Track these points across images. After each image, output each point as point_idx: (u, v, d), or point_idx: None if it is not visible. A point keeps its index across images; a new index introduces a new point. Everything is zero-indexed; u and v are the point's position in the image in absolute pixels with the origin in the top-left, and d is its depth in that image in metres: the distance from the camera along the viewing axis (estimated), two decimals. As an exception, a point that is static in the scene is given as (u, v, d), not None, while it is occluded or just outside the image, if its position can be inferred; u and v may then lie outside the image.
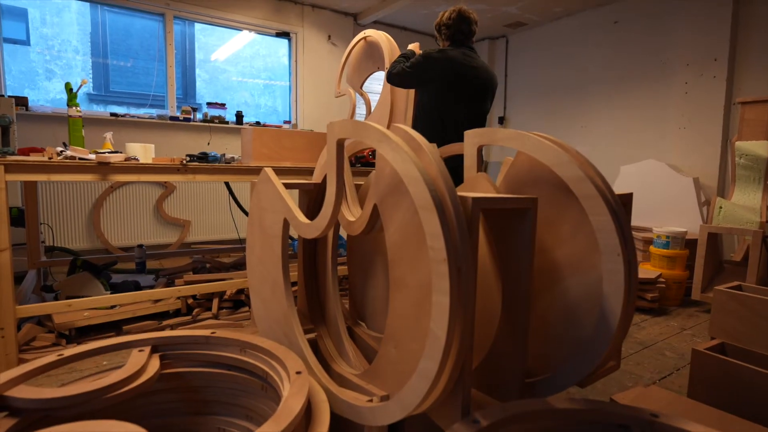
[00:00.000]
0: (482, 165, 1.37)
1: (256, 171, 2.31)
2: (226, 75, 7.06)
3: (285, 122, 4.68)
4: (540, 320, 1.22)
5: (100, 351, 1.29)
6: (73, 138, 2.45)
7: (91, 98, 6.19)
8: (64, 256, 3.45)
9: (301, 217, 1.29)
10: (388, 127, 2.98)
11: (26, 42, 5.73)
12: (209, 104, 4.21)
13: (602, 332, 1.05)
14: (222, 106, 4.22)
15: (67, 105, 2.46)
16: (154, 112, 4.01)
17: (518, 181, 1.23)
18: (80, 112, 2.44)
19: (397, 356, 1.10)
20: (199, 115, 4.09)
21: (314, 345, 1.61)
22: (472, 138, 1.25)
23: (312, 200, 1.62)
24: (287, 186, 1.55)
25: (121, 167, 1.96)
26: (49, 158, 1.85)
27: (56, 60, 5.87)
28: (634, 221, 3.67)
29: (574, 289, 1.13)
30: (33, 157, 1.80)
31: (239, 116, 4.25)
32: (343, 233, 1.66)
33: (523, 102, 5.32)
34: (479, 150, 1.24)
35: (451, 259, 0.85)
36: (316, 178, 1.68)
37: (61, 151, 1.94)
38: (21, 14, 5.63)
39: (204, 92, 7.06)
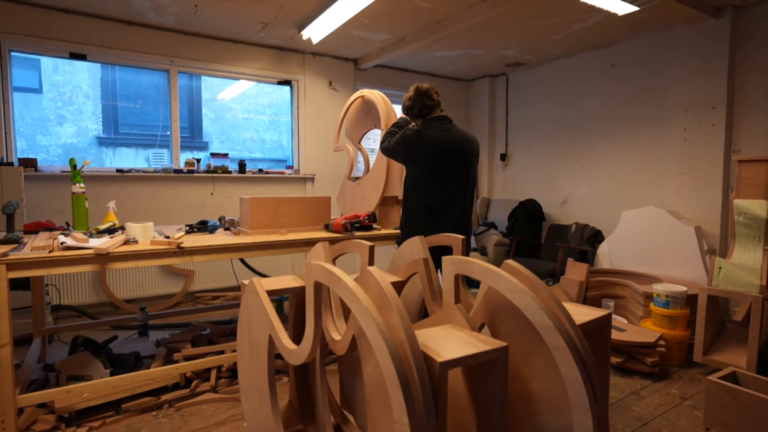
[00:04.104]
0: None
1: (252, 247, 2.35)
2: (232, 113, 7.20)
3: (288, 167, 4.76)
4: (519, 447, 1.23)
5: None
6: (76, 214, 2.53)
7: (101, 141, 6.36)
8: (70, 314, 3.52)
9: (286, 340, 1.32)
10: (385, 188, 3.02)
11: (38, 90, 5.93)
12: (213, 155, 4.30)
13: (577, 477, 1.05)
14: (225, 156, 4.31)
15: (72, 181, 2.55)
16: (160, 165, 4.10)
17: (495, 307, 1.25)
18: (83, 188, 2.53)
19: (375, 496, 1.11)
20: (203, 165, 4.18)
21: (303, 446, 1.63)
22: (449, 265, 1.27)
23: (301, 303, 1.65)
24: (275, 293, 1.59)
25: (120, 255, 2.01)
26: (50, 252, 1.92)
27: (67, 106, 6.06)
28: (636, 268, 3.64)
29: (550, 424, 1.14)
30: (34, 253, 1.87)
31: (242, 165, 4.33)
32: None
33: (525, 139, 5.34)
34: (457, 277, 1.27)
35: (415, 437, 0.87)
36: (305, 280, 1.71)
37: (62, 242, 2.00)
38: (34, 63, 5.84)
39: (210, 130, 7.21)
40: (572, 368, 1.01)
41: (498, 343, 1.06)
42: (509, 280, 1.12)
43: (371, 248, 1.53)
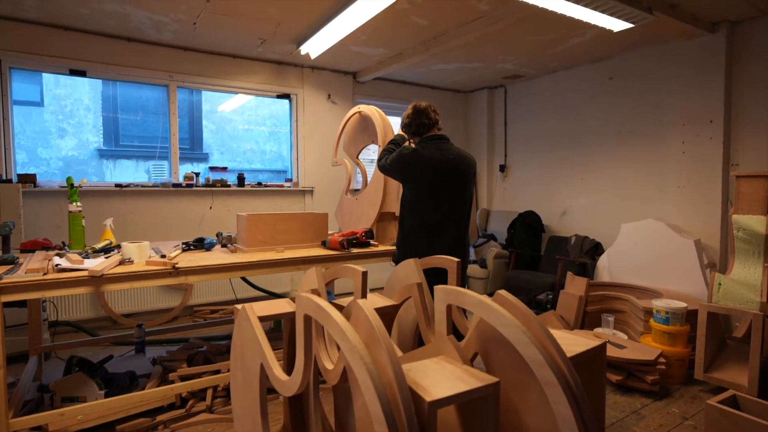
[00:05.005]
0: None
1: (249, 267, 2.34)
2: (233, 124, 7.22)
3: (287, 180, 4.76)
4: (513, 480, 1.21)
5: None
6: (73, 233, 2.53)
7: (102, 154, 6.38)
8: (67, 329, 3.52)
9: (277, 371, 1.31)
10: (382, 204, 3.01)
11: (40, 103, 5.96)
12: (211, 168, 4.31)
13: None
14: (224, 169, 4.32)
15: (69, 200, 2.55)
16: (160, 178, 4.11)
17: (488, 338, 1.23)
18: (80, 207, 2.53)
19: None
20: (201, 179, 4.18)
21: (296, 474, 1.62)
22: (441, 295, 1.26)
23: (295, 328, 1.64)
24: (267, 319, 1.58)
25: (114, 277, 2.01)
26: (44, 274, 1.91)
27: (68, 119, 6.08)
28: (636, 281, 3.62)
29: (544, 459, 1.13)
30: (28, 276, 1.86)
31: (241, 179, 4.33)
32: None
33: (524, 150, 5.34)
34: (449, 307, 1.26)
35: (402, 480, 0.85)
36: (296, 312, 1.69)
37: (57, 264, 2.00)
38: (35, 77, 5.87)
39: (211, 142, 7.22)
40: (563, 405, 0.99)
41: (489, 379, 1.05)
42: (500, 313, 1.11)
43: (364, 275, 1.53)
